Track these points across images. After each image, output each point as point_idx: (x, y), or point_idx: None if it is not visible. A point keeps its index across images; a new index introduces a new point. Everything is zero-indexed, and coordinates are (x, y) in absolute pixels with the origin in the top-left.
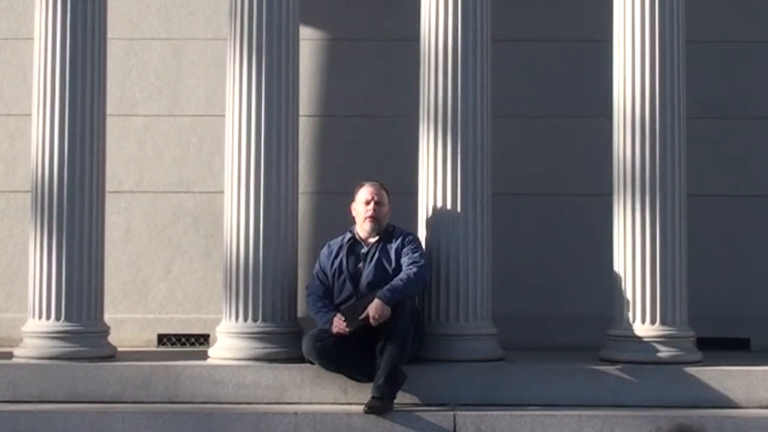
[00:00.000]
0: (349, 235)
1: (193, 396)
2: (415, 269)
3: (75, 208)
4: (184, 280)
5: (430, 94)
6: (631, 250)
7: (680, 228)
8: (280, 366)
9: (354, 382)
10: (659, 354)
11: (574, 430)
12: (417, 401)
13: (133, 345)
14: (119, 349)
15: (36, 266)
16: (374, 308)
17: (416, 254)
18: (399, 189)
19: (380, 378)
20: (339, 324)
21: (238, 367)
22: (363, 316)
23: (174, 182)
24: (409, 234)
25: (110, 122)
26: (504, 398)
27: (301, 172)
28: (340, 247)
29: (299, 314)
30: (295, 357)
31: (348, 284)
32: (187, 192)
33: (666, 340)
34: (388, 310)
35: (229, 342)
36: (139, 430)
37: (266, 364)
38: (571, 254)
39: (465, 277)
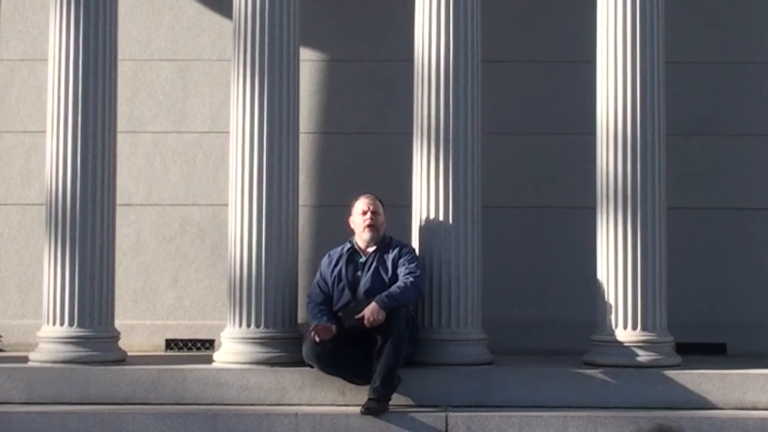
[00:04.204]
0: (348, 245)
1: (199, 398)
2: (412, 279)
3: (87, 220)
4: (191, 288)
5: (423, 112)
6: (613, 259)
7: (660, 238)
8: (282, 369)
9: (351, 385)
10: (640, 358)
11: (560, 430)
12: (411, 403)
13: (142, 350)
14: (129, 353)
15: (50, 275)
16: (370, 310)
17: (413, 265)
18: (394, 202)
19: (377, 380)
20: (315, 337)
21: (242, 370)
22: (359, 315)
23: (181, 195)
24: (406, 245)
25: (120, 139)
26: (493, 400)
27: (301, 186)
28: (340, 257)
29: (299, 320)
30: (295, 361)
31: (347, 291)
32: (193, 205)
33: (646, 344)
34: (382, 315)
35: (233, 347)
36: (148, 430)
37: (268, 368)
38: (557, 263)
39: (456, 285)
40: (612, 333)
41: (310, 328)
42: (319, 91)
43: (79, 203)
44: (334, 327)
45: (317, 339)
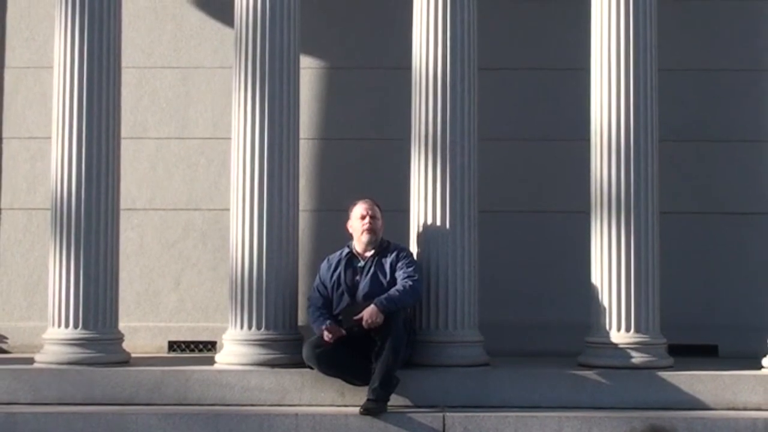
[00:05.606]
0: (346, 250)
1: (202, 398)
2: (411, 282)
3: (92, 225)
4: (193, 291)
5: (421, 119)
6: (607, 262)
7: (653, 242)
8: (282, 371)
9: (350, 386)
10: (633, 359)
11: (555, 430)
12: (409, 403)
13: (146, 351)
14: (133, 355)
15: (56, 278)
16: (369, 312)
17: (411, 269)
18: (392, 207)
19: (375, 381)
20: (327, 336)
21: (243, 371)
22: (358, 317)
23: (183, 200)
24: (404, 249)
25: (124, 145)
26: (490, 400)
27: (301, 190)
28: (339, 261)
29: (300, 323)
30: (295, 362)
31: (346, 295)
32: (195, 209)
33: (640, 346)
34: (381, 317)
35: (235, 348)
36: (152, 430)
37: (269, 369)
38: (552, 267)
39: (453, 288)
40: (606, 335)
41: (323, 328)
42: (319, 98)
43: (84, 208)
44: (331, 338)
45: (327, 338)
